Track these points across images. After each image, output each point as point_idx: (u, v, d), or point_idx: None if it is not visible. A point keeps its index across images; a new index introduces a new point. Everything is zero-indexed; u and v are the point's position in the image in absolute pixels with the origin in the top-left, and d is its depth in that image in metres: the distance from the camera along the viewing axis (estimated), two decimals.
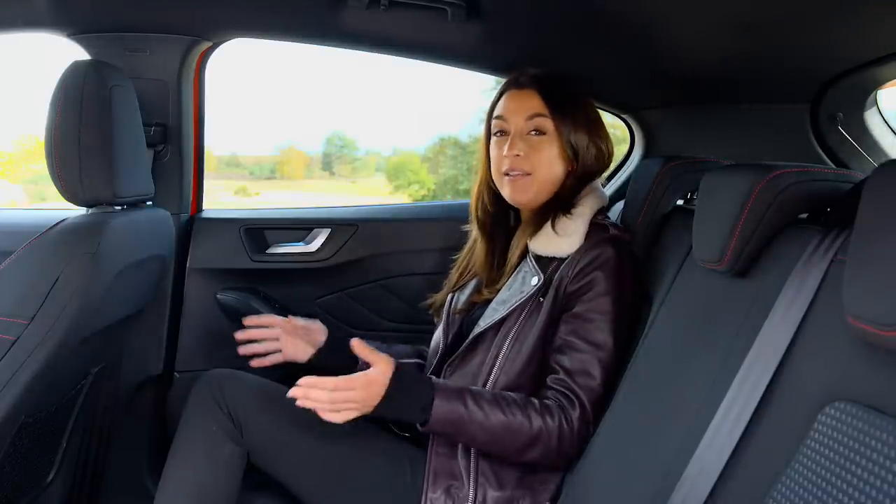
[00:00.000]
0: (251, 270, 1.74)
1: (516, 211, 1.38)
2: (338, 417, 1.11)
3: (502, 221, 1.38)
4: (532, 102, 1.28)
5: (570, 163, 1.29)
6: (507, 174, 1.28)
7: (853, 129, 1.39)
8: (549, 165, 1.27)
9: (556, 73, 1.32)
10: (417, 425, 1.15)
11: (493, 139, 1.32)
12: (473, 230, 1.41)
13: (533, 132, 1.27)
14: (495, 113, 1.32)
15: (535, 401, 1.17)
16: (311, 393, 1.10)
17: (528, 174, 1.26)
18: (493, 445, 1.15)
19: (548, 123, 1.27)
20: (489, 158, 1.34)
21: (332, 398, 1.10)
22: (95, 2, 1.45)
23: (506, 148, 1.27)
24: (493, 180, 1.34)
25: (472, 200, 1.40)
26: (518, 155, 1.26)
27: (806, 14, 1.02)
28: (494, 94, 1.36)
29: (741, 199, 0.93)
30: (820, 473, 0.66)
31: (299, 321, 1.41)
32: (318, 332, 1.41)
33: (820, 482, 0.66)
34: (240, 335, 1.39)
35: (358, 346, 1.16)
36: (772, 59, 1.25)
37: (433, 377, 1.20)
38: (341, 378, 1.11)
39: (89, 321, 1.23)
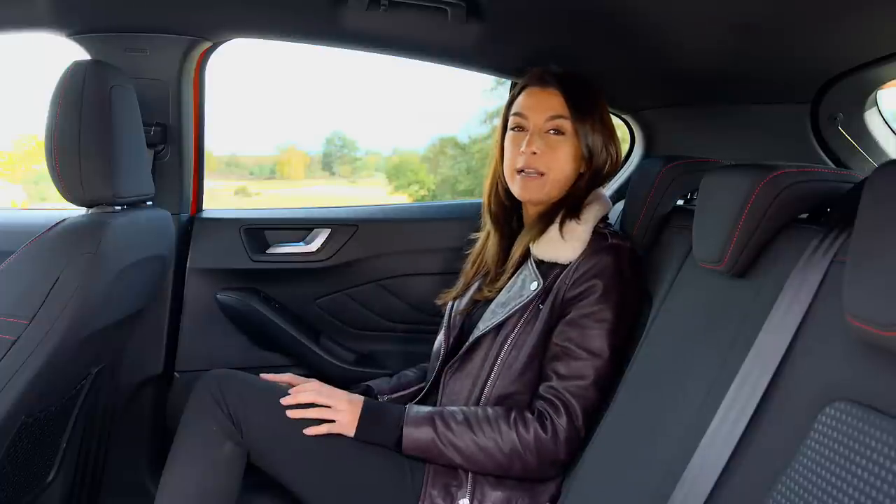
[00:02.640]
0: (251, 270, 1.74)
1: (520, 211, 1.37)
2: (321, 428, 1.19)
3: (512, 217, 1.38)
4: (553, 102, 1.27)
5: (584, 164, 1.28)
6: (520, 171, 1.27)
7: (853, 129, 1.39)
8: (564, 166, 1.27)
9: (578, 74, 1.31)
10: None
11: (510, 134, 1.31)
12: (486, 223, 1.40)
13: (551, 131, 1.27)
14: (514, 109, 1.30)
15: (513, 414, 1.17)
16: (300, 396, 1.20)
17: (542, 174, 1.26)
18: (471, 465, 1.17)
19: (567, 125, 1.26)
20: (502, 153, 1.33)
21: (318, 396, 1.20)
22: (95, 2, 1.45)
23: (523, 144, 1.26)
24: (504, 175, 1.33)
25: (485, 194, 1.39)
26: (535, 153, 1.25)
27: (806, 14, 1.02)
28: (515, 88, 1.35)
29: (741, 199, 0.93)
30: (820, 473, 0.66)
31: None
32: None
33: (820, 482, 0.66)
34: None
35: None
36: (772, 59, 1.25)
37: (408, 405, 1.23)
38: (325, 386, 1.23)
39: (89, 321, 1.23)
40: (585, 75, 1.33)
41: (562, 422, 1.15)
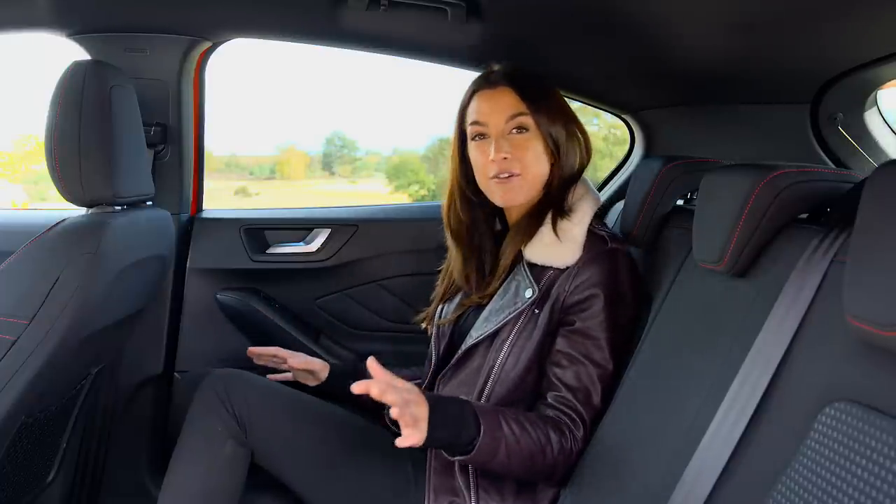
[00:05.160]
0: (251, 270, 1.74)
1: (501, 215, 1.33)
2: (416, 437, 1.01)
3: (481, 228, 1.33)
4: (508, 100, 1.23)
5: (553, 157, 1.24)
6: (495, 178, 1.22)
7: (853, 129, 1.39)
8: (537, 162, 1.23)
9: (524, 67, 1.28)
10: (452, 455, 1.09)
11: (473, 144, 1.25)
12: (448, 240, 1.35)
13: (514, 131, 1.22)
14: (471, 118, 1.25)
15: (557, 423, 1.13)
16: (388, 395, 1.01)
17: (518, 175, 1.21)
18: (513, 469, 1.10)
19: (528, 120, 1.22)
20: (462, 164, 1.29)
21: (403, 398, 1.01)
22: (95, 2, 1.45)
23: (491, 151, 1.20)
24: (465, 187, 1.30)
25: (443, 210, 1.34)
26: (505, 157, 1.20)
27: (806, 14, 1.02)
28: (464, 95, 1.29)
29: (741, 199, 0.93)
30: (820, 473, 0.66)
31: (299, 362, 1.41)
32: (320, 371, 1.42)
33: (820, 482, 0.66)
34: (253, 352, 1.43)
35: (375, 367, 1.06)
36: (772, 59, 1.25)
37: (470, 402, 1.12)
38: (402, 381, 1.05)
39: (89, 321, 1.23)
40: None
41: (579, 434, 1.13)
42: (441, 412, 1.04)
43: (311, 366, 1.40)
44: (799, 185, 0.92)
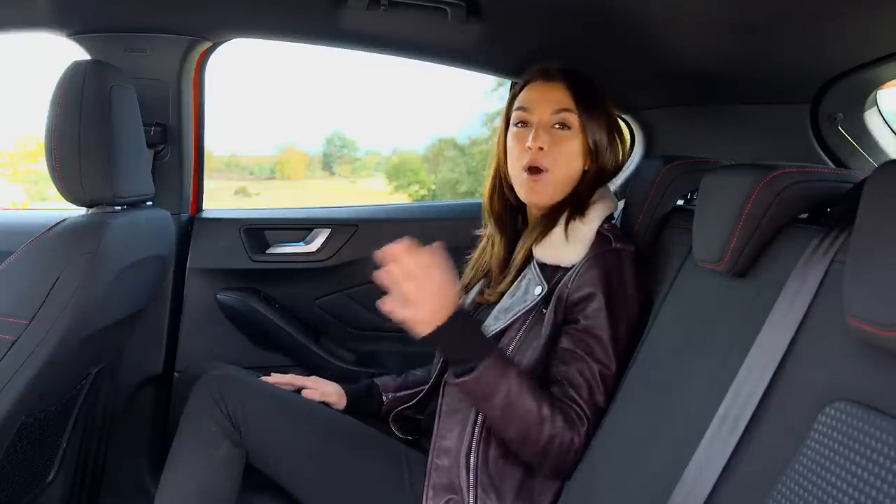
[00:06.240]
0: (251, 270, 1.74)
1: (524, 211, 1.34)
2: (406, 311, 1.08)
3: (513, 218, 1.34)
4: (559, 95, 1.24)
5: (590, 162, 1.25)
6: (527, 171, 1.23)
7: (853, 129, 1.39)
8: (569, 162, 1.23)
9: (582, 72, 1.29)
10: (451, 375, 1.10)
11: (514, 130, 1.27)
12: (490, 226, 1.36)
13: (557, 126, 1.23)
14: (517, 104, 1.26)
15: (565, 412, 1.12)
16: (401, 262, 1.08)
17: (546, 171, 1.22)
18: (505, 423, 1.10)
19: (574, 118, 1.23)
20: (504, 152, 1.30)
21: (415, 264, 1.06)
22: (95, 2, 1.45)
23: (529, 139, 1.21)
24: (504, 174, 1.30)
25: (485, 195, 1.35)
26: (542, 148, 1.21)
27: (806, 14, 1.02)
28: (517, 86, 1.31)
29: (741, 199, 0.93)
30: (820, 473, 0.66)
31: (313, 395, 1.38)
32: (336, 403, 1.41)
33: (820, 482, 0.66)
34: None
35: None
36: (772, 59, 1.25)
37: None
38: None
39: (89, 321, 1.23)
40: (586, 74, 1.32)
41: (581, 429, 1.12)
42: (458, 320, 1.06)
43: (327, 399, 1.39)
44: (799, 185, 0.92)
